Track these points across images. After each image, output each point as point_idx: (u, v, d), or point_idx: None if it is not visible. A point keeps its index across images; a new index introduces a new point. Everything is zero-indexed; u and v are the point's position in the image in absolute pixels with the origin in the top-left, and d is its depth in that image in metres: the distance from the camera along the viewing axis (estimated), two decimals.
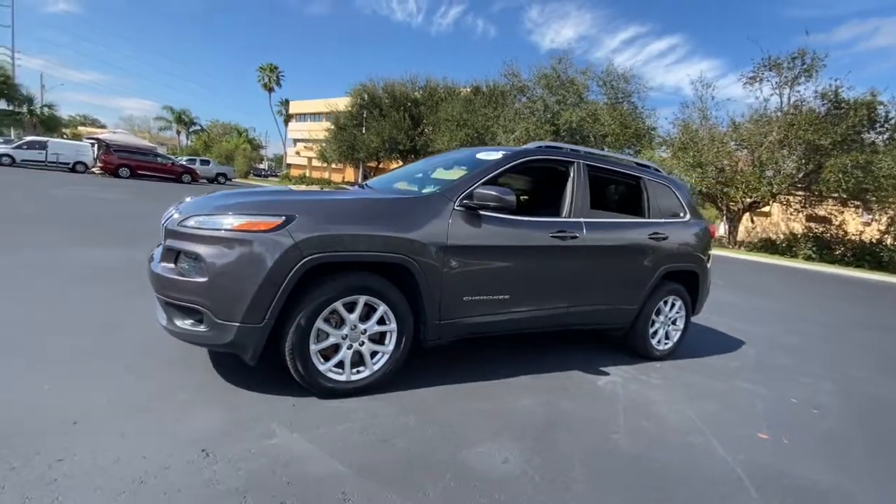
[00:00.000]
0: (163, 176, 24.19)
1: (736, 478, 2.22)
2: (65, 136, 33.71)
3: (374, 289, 2.46)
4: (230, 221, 2.21)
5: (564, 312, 3.23)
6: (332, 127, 34.33)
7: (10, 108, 26.36)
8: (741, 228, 23.27)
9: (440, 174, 3.66)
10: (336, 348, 2.46)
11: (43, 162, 22.65)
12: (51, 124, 28.00)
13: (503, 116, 26.16)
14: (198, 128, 66.54)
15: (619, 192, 4.21)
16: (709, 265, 4.20)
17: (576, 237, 3.14)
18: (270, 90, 57.00)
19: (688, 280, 4.04)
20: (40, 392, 2.18)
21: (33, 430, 1.88)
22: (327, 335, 2.40)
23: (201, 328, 2.21)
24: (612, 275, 3.43)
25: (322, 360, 2.43)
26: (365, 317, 2.50)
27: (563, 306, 3.21)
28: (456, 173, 3.76)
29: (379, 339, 2.59)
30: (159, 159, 25.82)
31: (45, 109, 28.19)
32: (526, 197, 4.69)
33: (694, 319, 5.49)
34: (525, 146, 3.29)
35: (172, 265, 2.30)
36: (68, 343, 2.76)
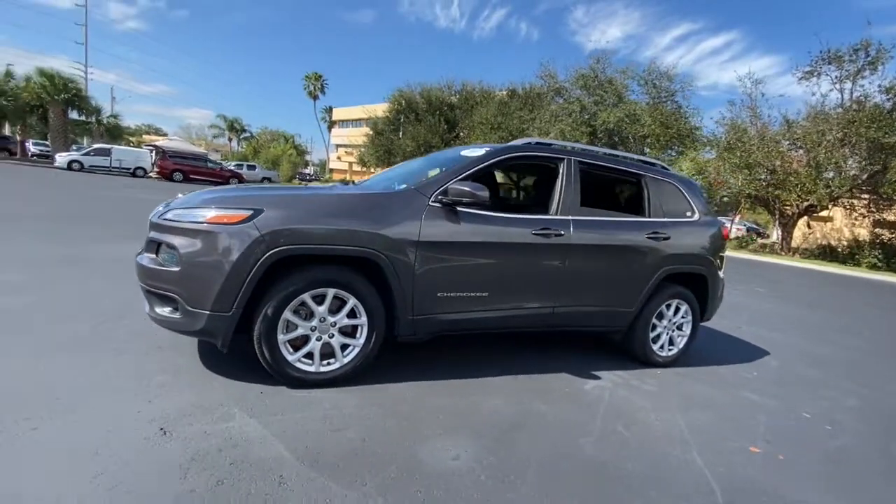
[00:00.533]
0: (212, 180, 25.67)
1: (708, 490, 2.07)
2: (131, 144, 36.52)
3: (343, 282, 2.50)
4: (202, 214, 2.33)
5: (550, 313, 3.15)
6: (371, 132, 35.14)
7: (82, 118, 28.90)
8: (796, 234, 21.69)
9: (435, 173, 3.67)
10: (306, 339, 2.52)
11: (107, 167, 24.65)
12: (115, 133, 30.54)
13: (539, 118, 25.83)
14: (248, 135, 70.12)
15: (617, 191, 4.05)
16: (721, 268, 3.95)
17: (561, 235, 3.06)
18: (315, 98, 59.32)
19: (695, 283, 3.82)
20: (37, 370, 2.38)
21: (22, 402, 2.05)
22: (296, 326, 2.47)
23: (176, 315, 2.34)
24: (605, 275, 3.30)
25: (292, 350, 2.49)
26: (336, 310, 2.55)
27: (549, 306, 3.13)
28: None
29: (351, 332, 2.63)
30: (209, 164, 27.44)
31: (111, 119, 30.74)
32: (519, 194, 4.60)
33: (718, 327, 5.22)
34: (512, 143, 3.24)
35: (154, 255, 2.45)
36: (73, 328, 2.99)
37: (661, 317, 3.67)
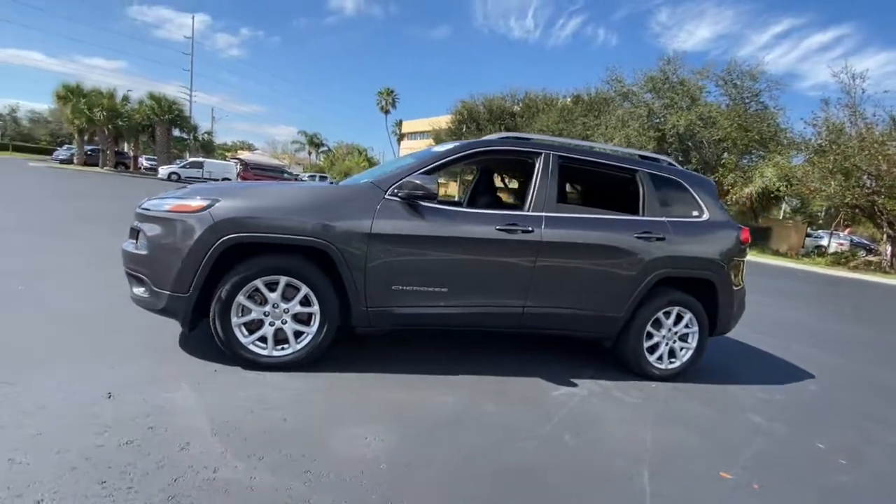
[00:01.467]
0: None
1: None
2: (226, 158, 40.71)
3: (294, 271, 2.61)
4: (167, 204, 2.57)
5: (520, 313, 3.01)
6: (433, 144, 36.05)
7: (182, 135, 32.87)
8: None
9: None
10: (260, 324, 2.65)
11: (200, 178, 27.75)
12: (209, 148, 34.47)
13: (604, 124, 24.84)
14: (326, 148, 75.06)
15: (609, 187, 3.78)
16: (737, 274, 3.52)
17: (530, 231, 2.92)
18: (387, 112, 62.21)
19: (702, 291, 3.44)
20: (29, 338, 2.75)
21: (11, 360, 2.39)
22: (249, 310, 2.61)
23: (146, 295, 2.59)
24: (583, 276, 3.09)
25: (247, 333, 2.64)
26: (291, 297, 2.66)
27: (518, 306, 3.00)
28: None
29: (306, 320, 2.72)
30: (285, 175, 29.82)
31: (205, 136, 34.61)
32: (503, 190, 4.44)
33: (761, 345, 4.67)
34: (485, 137, 3.18)
35: (134, 241, 2.73)
36: (80, 306, 3.40)
37: (658, 325, 3.35)
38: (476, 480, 1.91)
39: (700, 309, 3.40)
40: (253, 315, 2.62)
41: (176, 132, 32.72)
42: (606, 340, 3.38)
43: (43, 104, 29.55)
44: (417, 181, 2.65)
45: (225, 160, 37.02)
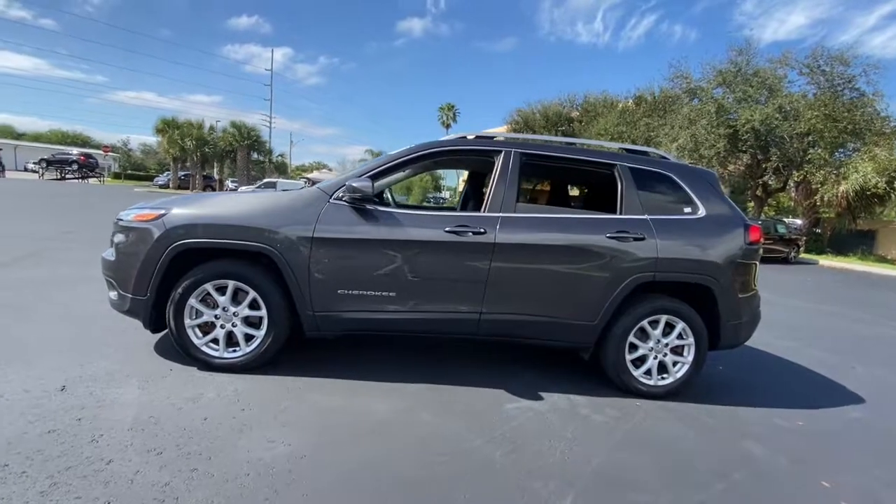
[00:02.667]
0: None
1: None
2: (303, 178, 43.79)
3: (242, 275, 2.70)
4: (132, 213, 2.78)
5: (476, 319, 2.85)
6: None
7: (260, 158, 35.98)
8: None
9: None
10: (213, 326, 2.77)
11: None
12: (282, 169, 37.30)
13: (669, 123, 23.23)
14: None
15: (585, 185, 3.48)
16: (746, 278, 3.06)
17: (482, 233, 2.77)
18: (448, 126, 63.33)
19: (698, 297, 3.04)
20: (27, 338, 3.09)
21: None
22: (201, 313, 2.74)
23: (116, 297, 2.81)
24: (545, 281, 2.86)
25: (201, 335, 2.77)
26: (242, 301, 2.75)
27: (474, 312, 2.84)
28: None
29: (257, 323, 2.80)
30: None
31: (279, 158, 37.60)
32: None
33: (817, 364, 4.04)
34: (444, 137, 3.09)
35: (111, 249, 2.99)
36: (89, 309, 3.77)
37: (645, 336, 3.01)
38: (360, 491, 1.81)
39: (695, 318, 2.99)
40: (205, 317, 2.75)
41: (255, 156, 35.88)
42: (584, 351, 3.09)
43: (152, 138, 34.00)
44: (355, 184, 2.64)
45: (300, 179, 39.82)
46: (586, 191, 3.53)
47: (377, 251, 2.75)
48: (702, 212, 3.07)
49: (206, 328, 2.78)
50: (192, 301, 2.70)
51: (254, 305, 2.76)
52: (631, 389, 3.00)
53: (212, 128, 34.13)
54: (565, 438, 2.39)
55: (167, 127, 32.71)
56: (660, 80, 27.81)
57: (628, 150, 3.30)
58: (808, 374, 3.90)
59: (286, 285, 2.72)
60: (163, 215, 2.68)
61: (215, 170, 38.83)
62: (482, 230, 2.78)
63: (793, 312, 6.75)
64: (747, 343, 4.44)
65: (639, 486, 2.03)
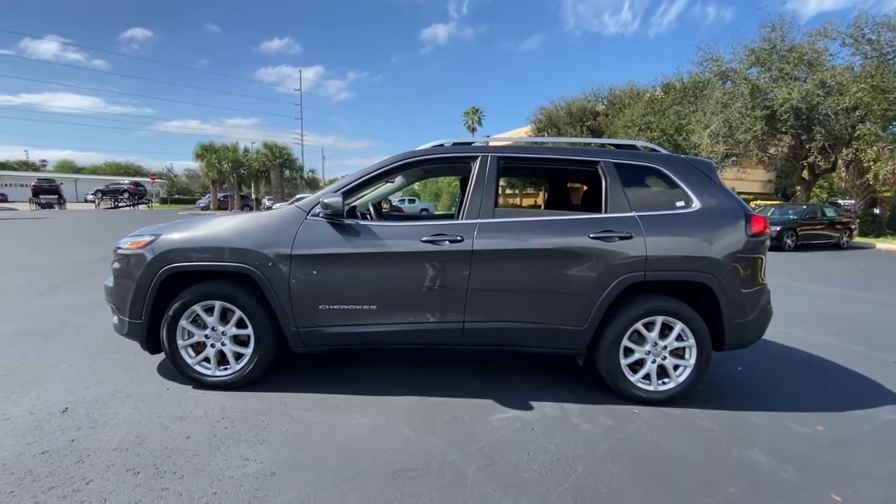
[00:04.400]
0: None
1: None
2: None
3: (227, 295, 2.78)
4: (126, 241, 2.93)
5: (459, 329, 2.81)
6: None
7: (291, 176, 37.31)
8: None
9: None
10: (204, 346, 2.87)
11: None
12: (313, 184, 38.45)
13: (700, 110, 22.24)
14: None
15: (569, 185, 3.34)
16: (751, 273, 2.86)
17: (459, 241, 2.73)
18: (473, 130, 63.41)
19: (697, 296, 2.87)
20: (44, 363, 3.31)
21: (16, 377, 2.92)
22: (192, 333, 2.84)
23: (117, 321, 2.97)
24: (527, 286, 2.78)
25: (193, 354, 2.87)
26: (230, 321, 2.84)
27: (456, 321, 2.80)
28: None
29: (247, 341, 2.87)
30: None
31: (309, 174, 38.86)
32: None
33: (853, 361, 3.73)
34: (420, 147, 3.07)
35: (112, 276, 3.15)
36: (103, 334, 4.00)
37: (641, 339, 2.86)
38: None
39: (694, 318, 2.82)
40: (196, 337, 2.85)
41: (287, 173, 37.27)
42: (576, 357, 2.98)
43: (195, 163, 36.13)
44: (326, 200, 2.68)
45: None
46: (574, 192, 3.41)
47: (355, 265, 2.76)
48: (696, 205, 2.89)
49: (199, 347, 2.89)
50: (183, 322, 2.81)
51: (241, 324, 2.84)
52: (629, 396, 2.86)
53: (246, 149, 35.79)
54: (548, 451, 2.30)
55: (205, 152, 34.56)
56: (688, 66, 26.72)
57: (615, 146, 3.17)
58: (839, 373, 3.58)
59: (269, 303, 2.78)
60: (152, 241, 2.81)
61: (249, 190, 40.60)
62: (459, 238, 2.74)
63: (834, 303, 6.25)
64: (774, 340, 4.17)
65: (616, 502, 1.92)
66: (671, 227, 2.83)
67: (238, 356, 2.87)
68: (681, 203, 2.91)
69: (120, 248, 2.97)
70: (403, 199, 38.01)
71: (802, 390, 3.21)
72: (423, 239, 2.74)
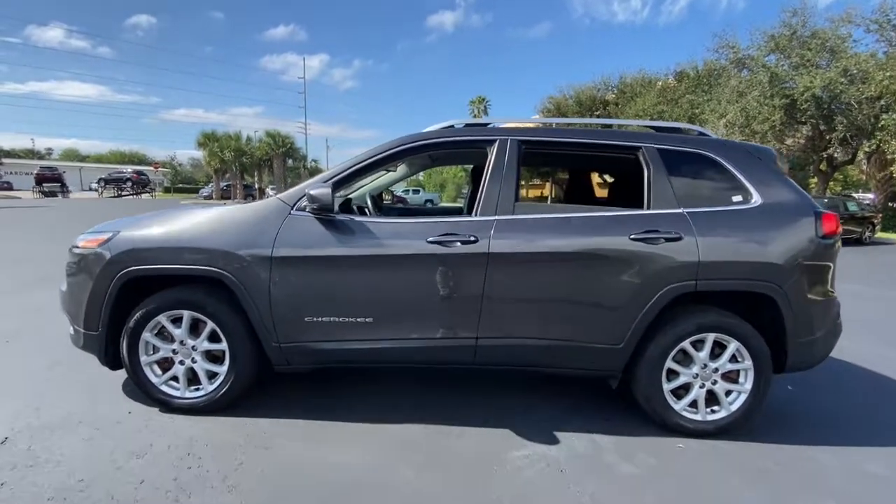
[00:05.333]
0: None
1: None
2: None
3: (197, 303, 2.35)
4: (82, 238, 2.50)
5: (472, 346, 2.36)
6: None
7: (294, 165, 36.81)
8: None
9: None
10: (171, 362, 2.44)
11: None
12: (316, 174, 37.78)
13: (715, 98, 21.47)
14: None
15: (605, 176, 2.87)
16: (820, 281, 2.39)
17: (473, 242, 2.28)
18: None
19: (756, 309, 2.41)
20: (3, 369, 2.90)
21: None
22: (158, 348, 2.42)
23: (72, 332, 2.54)
24: (554, 297, 2.32)
25: (160, 372, 2.45)
26: (200, 333, 2.41)
27: (468, 337, 2.35)
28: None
29: (222, 357, 2.44)
30: None
31: (312, 163, 38.31)
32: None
33: None
34: (425, 130, 2.61)
35: (65, 279, 2.70)
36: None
37: (687, 359, 2.41)
38: None
39: (753, 335, 2.36)
40: (162, 353, 2.42)
41: (291, 162, 36.76)
42: (610, 379, 2.53)
43: (199, 152, 35.73)
44: (313, 192, 2.22)
45: None
46: (608, 183, 2.94)
47: (348, 270, 2.32)
48: (756, 199, 2.41)
49: (166, 364, 2.46)
50: (147, 335, 2.38)
51: (215, 338, 2.41)
52: (671, 426, 2.41)
53: (249, 138, 35.28)
54: (565, 496, 1.86)
55: (208, 140, 34.07)
56: (703, 53, 25.82)
57: (656, 129, 2.69)
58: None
59: (247, 314, 2.34)
60: (109, 239, 2.38)
61: (252, 179, 40.16)
62: (473, 238, 2.28)
63: (874, 306, 5.74)
64: None
65: None
66: (728, 227, 2.36)
67: (211, 375, 2.44)
68: (738, 198, 2.43)
69: (76, 246, 2.54)
70: (408, 190, 37.47)
71: (870, 418, 2.75)
72: (430, 239, 2.28)
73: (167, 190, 44.73)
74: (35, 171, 35.25)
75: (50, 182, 33.41)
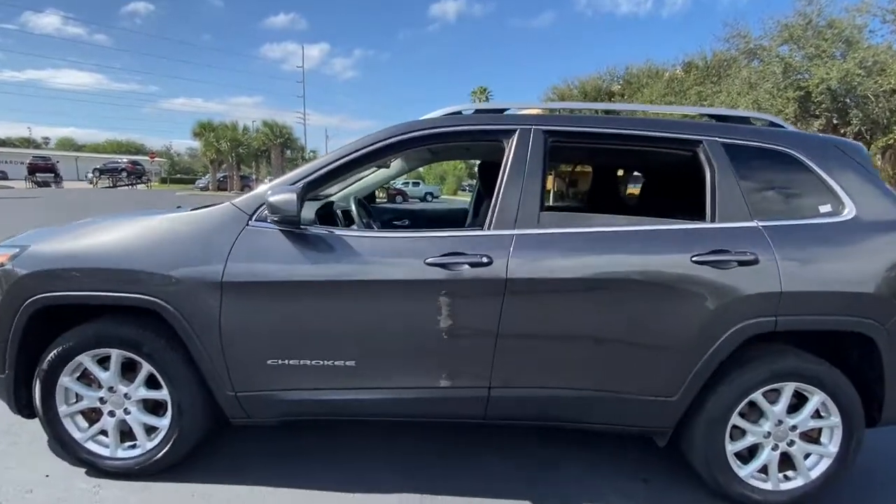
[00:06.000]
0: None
1: None
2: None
3: (127, 340, 1.82)
4: None
5: (483, 397, 1.84)
6: None
7: (292, 156, 36.06)
8: None
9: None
10: (99, 413, 1.92)
11: None
12: None
13: (725, 90, 20.79)
14: None
15: (652, 177, 2.32)
16: None
17: (486, 264, 1.74)
18: None
19: (846, 351, 1.89)
20: None
21: None
22: (80, 396, 1.89)
23: None
24: (590, 335, 1.80)
25: (85, 425, 1.93)
26: (134, 378, 1.88)
27: (479, 387, 1.83)
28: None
29: (165, 407, 1.91)
30: None
31: (311, 154, 37.58)
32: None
33: None
34: (426, 117, 2.06)
35: None
36: None
37: (756, 414, 1.88)
38: None
39: (842, 385, 1.83)
40: (86, 402, 1.90)
41: (289, 153, 36.00)
42: (658, 437, 2.00)
43: (196, 142, 34.87)
44: (272, 200, 1.67)
45: None
46: (654, 186, 2.38)
47: (323, 299, 1.78)
48: (849, 210, 1.87)
49: (92, 415, 1.94)
50: (65, 380, 1.85)
51: (154, 383, 1.88)
52: (734, 497, 1.90)
53: (246, 128, 34.48)
54: None
55: (204, 130, 33.28)
56: (713, 43, 25.07)
57: (715, 118, 2.14)
58: None
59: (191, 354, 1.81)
60: (15, 256, 1.84)
61: (249, 170, 39.40)
62: (485, 259, 1.74)
63: None
64: None
65: None
66: (815, 246, 1.82)
67: (150, 429, 1.92)
68: (826, 207, 1.89)
69: None
70: (407, 182, 36.84)
71: None
72: (429, 260, 1.74)
73: (163, 180, 44.00)
74: (28, 161, 34.53)
75: (43, 172, 32.69)
